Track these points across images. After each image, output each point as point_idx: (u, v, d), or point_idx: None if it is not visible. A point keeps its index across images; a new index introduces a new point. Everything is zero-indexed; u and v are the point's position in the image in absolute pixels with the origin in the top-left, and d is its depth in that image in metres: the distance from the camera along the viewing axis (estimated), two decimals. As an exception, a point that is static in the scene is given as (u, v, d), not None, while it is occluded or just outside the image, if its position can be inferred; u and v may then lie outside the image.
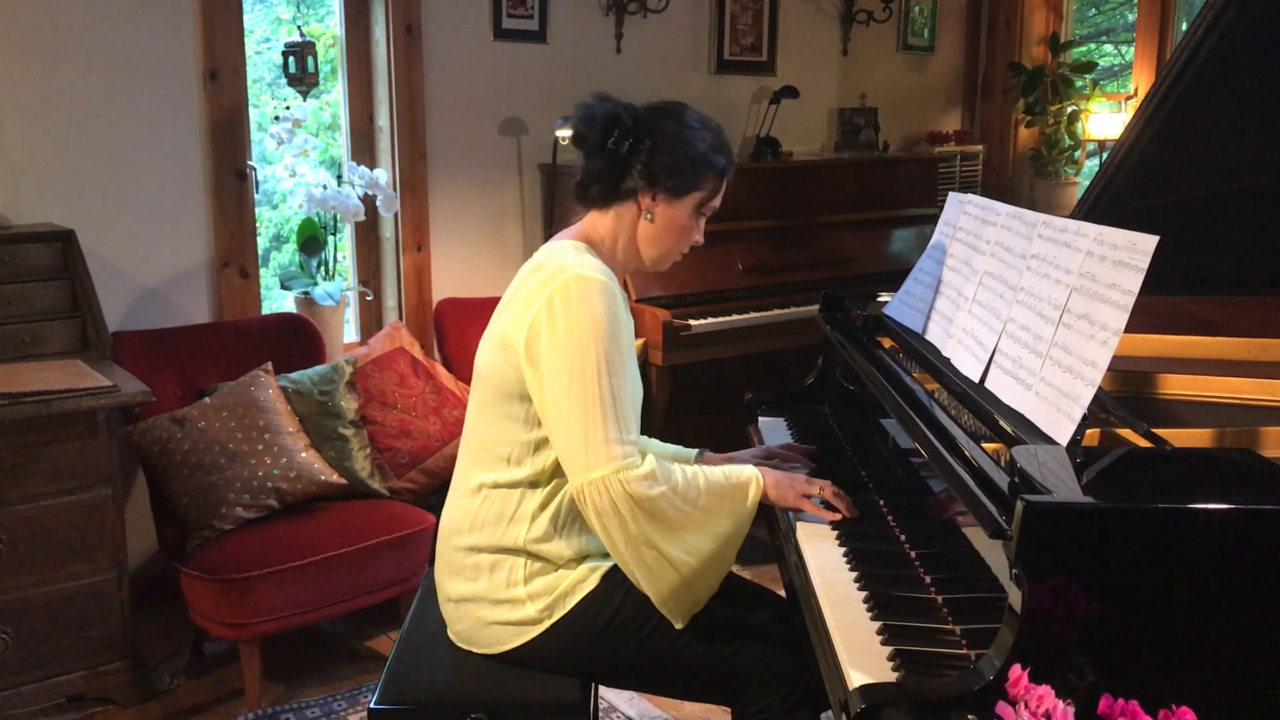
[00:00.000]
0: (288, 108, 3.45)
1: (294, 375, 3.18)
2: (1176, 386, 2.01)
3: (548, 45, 4.01)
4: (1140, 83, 4.87)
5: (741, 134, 4.52)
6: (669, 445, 2.20)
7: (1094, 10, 5.65)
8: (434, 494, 3.27)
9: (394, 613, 3.13)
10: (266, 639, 2.82)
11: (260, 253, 3.64)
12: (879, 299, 2.48)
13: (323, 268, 3.59)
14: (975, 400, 1.75)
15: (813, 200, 4.18)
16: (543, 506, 1.86)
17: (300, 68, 3.43)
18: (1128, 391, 2.02)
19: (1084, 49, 5.30)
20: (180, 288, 3.39)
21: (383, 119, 3.77)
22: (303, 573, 2.79)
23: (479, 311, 3.64)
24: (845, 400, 2.52)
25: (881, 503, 2.01)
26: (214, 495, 2.85)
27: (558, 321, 1.77)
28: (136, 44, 3.22)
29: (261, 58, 4.18)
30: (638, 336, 3.28)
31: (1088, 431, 1.63)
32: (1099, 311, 1.57)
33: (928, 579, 1.72)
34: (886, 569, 1.76)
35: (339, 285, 3.56)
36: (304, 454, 2.99)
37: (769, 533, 2.19)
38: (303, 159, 3.43)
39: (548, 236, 3.95)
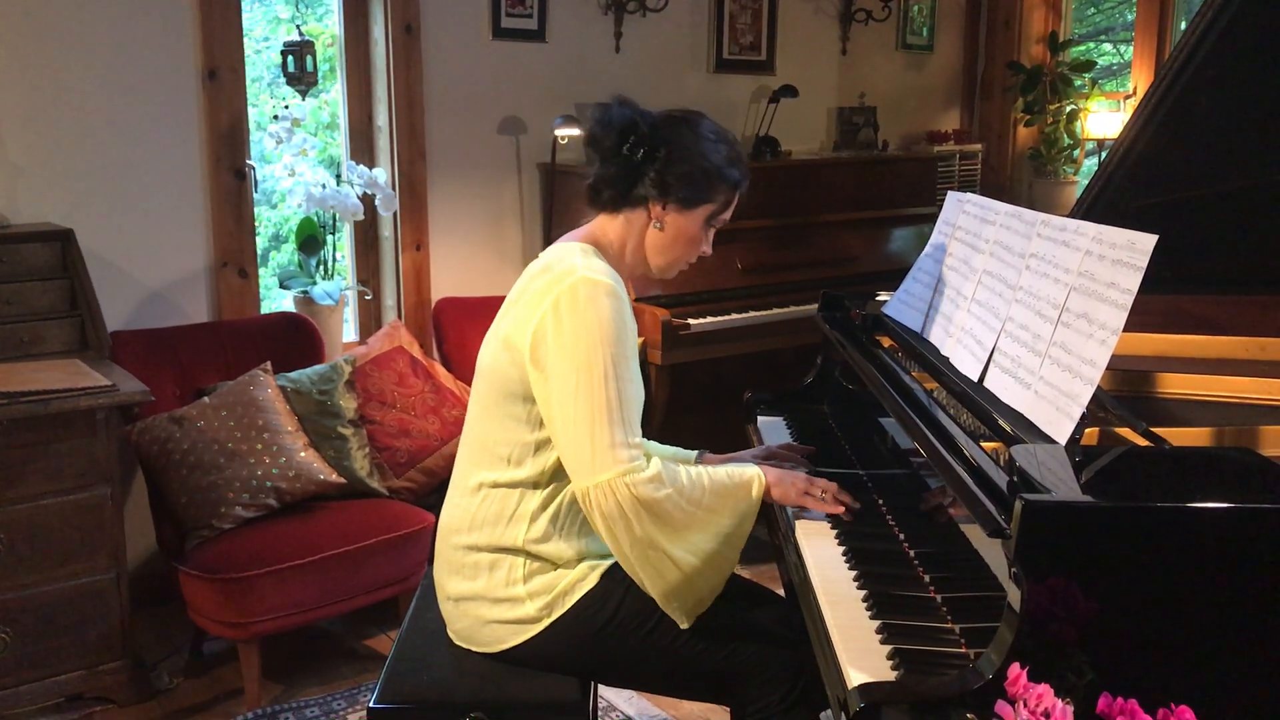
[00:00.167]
0: (286, 107, 3.45)
1: (293, 375, 3.18)
2: (1175, 385, 2.02)
3: (547, 44, 4.01)
4: (1139, 82, 4.87)
5: (740, 133, 4.52)
6: (667, 447, 2.20)
7: (1093, 9, 5.65)
8: (433, 493, 3.26)
9: (393, 612, 3.13)
10: (265, 638, 2.82)
11: (259, 252, 3.64)
12: (878, 298, 2.48)
13: (322, 267, 3.59)
14: (974, 399, 1.75)
15: (812, 199, 4.18)
16: (543, 507, 1.86)
17: (299, 67, 3.43)
18: (1127, 390, 2.02)
19: (1083, 48, 5.30)
20: (179, 287, 3.39)
21: (381, 118, 3.77)
22: (302, 572, 2.79)
23: (478, 311, 3.64)
24: (844, 399, 2.52)
25: (880, 502, 2.02)
26: (213, 495, 2.85)
27: (564, 324, 1.77)
28: (135, 43, 3.21)
29: (260, 57, 4.18)
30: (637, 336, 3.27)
31: (1087, 430, 1.63)
32: (1098, 310, 1.57)
33: (927, 578, 1.72)
34: (885, 568, 1.76)
35: (338, 284, 3.56)
36: (303, 453, 2.99)
37: (768, 532, 2.19)
38: (302, 158, 3.43)
39: (547, 235, 3.98)
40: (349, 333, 3.83)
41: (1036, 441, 1.54)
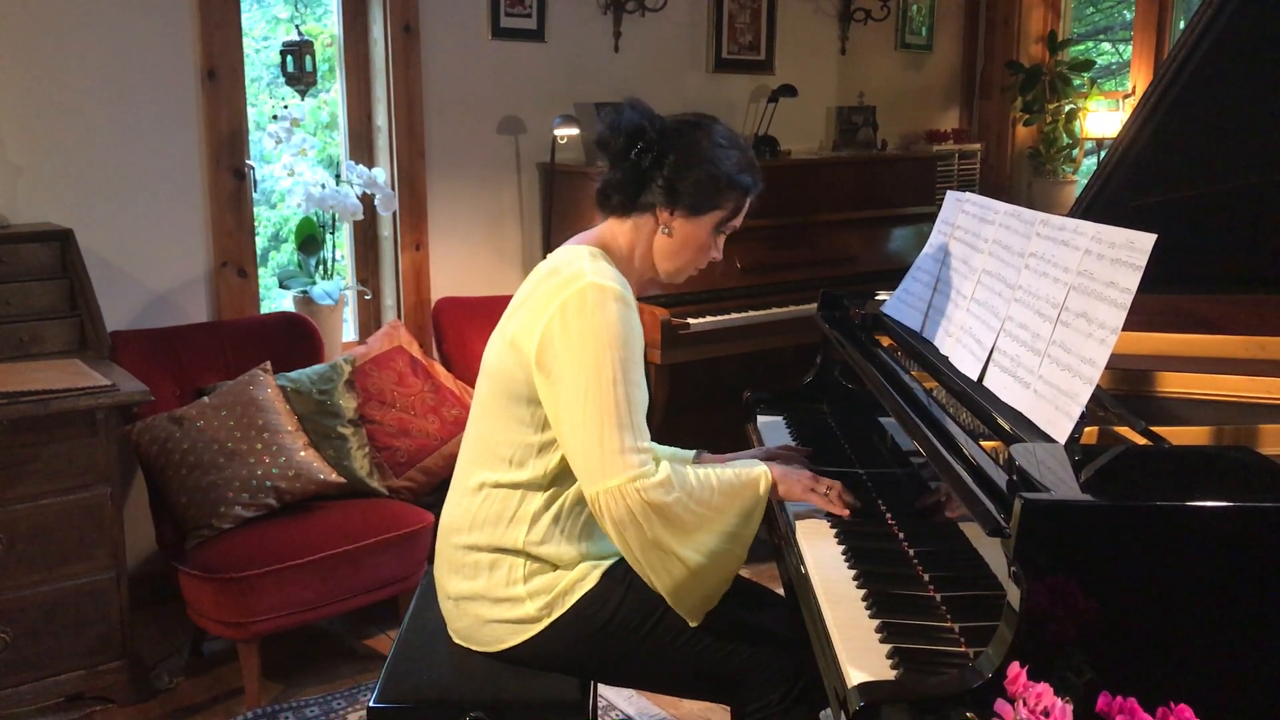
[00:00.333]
0: (285, 107, 3.45)
1: (293, 374, 3.18)
2: (1174, 384, 2.02)
3: (546, 44, 4.01)
4: (1138, 81, 4.88)
5: (740, 133, 4.52)
6: (665, 447, 2.20)
7: (1092, 8, 5.65)
8: (433, 493, 3.27)
9: (393, 611, 3.13)
10: (265, 638, 2.82)
11: (259, 252, 3.64)
12: (877, 297, 2.48)
13: (321, 267, 3.59)
14: (973, 398, 1.75)
15: (811, 199, 4.18)
16: (544, 509, 1.86)
17: (298, 67, 3.43)
18: (1126, 389, 2.03)
19: (1082, 47, 5.30)
20: (179, 287, 3.39)
21: (381, 118, 3.77)
22: (302, 572, 2.79)
23: (477, 310, 3.64)
24: (844, 399, 2.52)
25: (880, 501, 2.02)
26: (213, 494, 2.85)
27: (571, 329, 1.77)
28: (134, 43, 3.21)
29: (259, 57, 4.18)
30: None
31: (1086, 429, 1.63)
32: (1097, 309, 1.58)
33: (926, 577, 1.72)
34: (885, 567, 1.76)
35: (337, 284, 3.56)
36: (303, 453, 2.99)
37: (768, 531, 2.19)
38: (301, 158, 3.43)
39: (546, 235, 3.98)
40: (348, 332, 3.83)
41: (1036, 440, 1.54)
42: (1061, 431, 1.53)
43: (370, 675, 2.99)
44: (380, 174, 3.54)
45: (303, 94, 3.50)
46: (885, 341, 2.30)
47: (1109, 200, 2.32)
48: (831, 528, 1.92)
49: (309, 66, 3.44)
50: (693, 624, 1.84)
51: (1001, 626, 1.32)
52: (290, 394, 3.12)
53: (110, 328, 3.04)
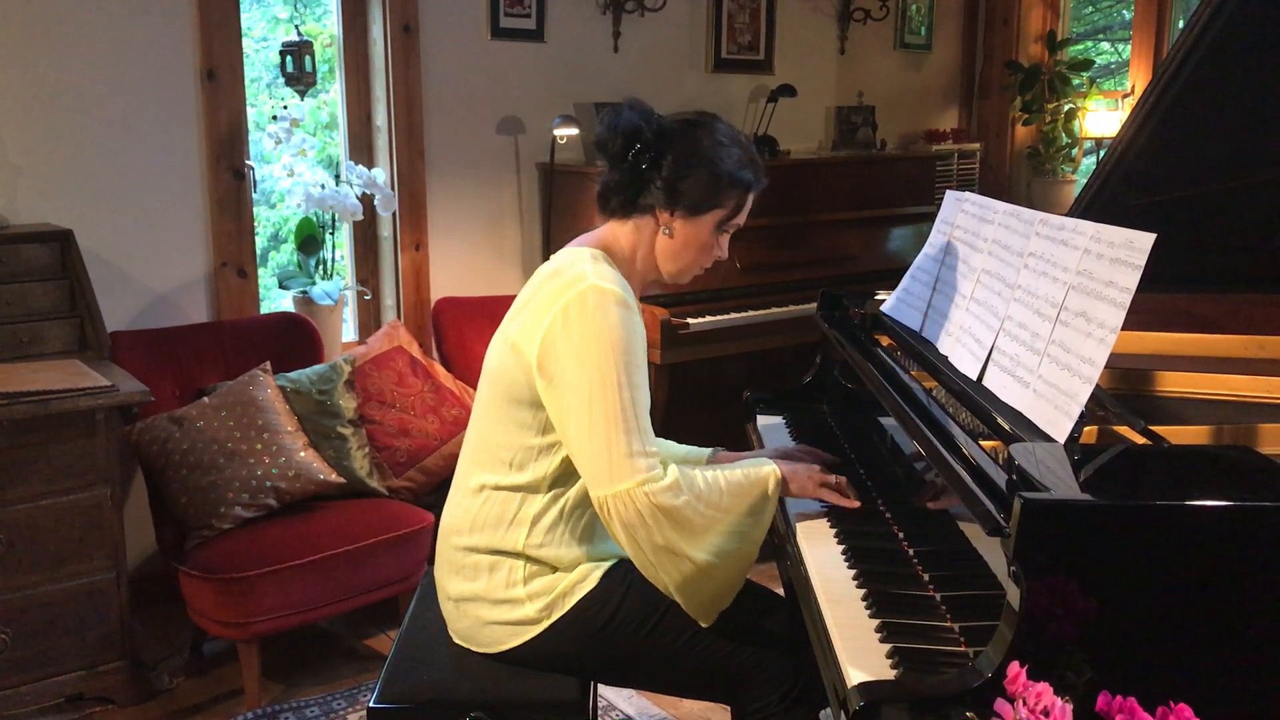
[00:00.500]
0: (285, 107, 3.45)
1: (292, 374, 3.18)
2: (1174, 384, 2.02)
3: (545, 44, 4.01)
4: (1137, 80, 4.88)
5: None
6: (681, 446, 2.19)
7: (1091, 8, 5.65)
8: (433, 493, 3.27)
9: (393, 612, 3.13)
10: (265, 638, 2.82)
11: (258, 252, 3.64)
12: (877, 297, 2.48)
13: (321, 267, 3.59)
14: (973, 398, 1.75)
15: (810, 198, 4.18)
16: (543, 512, 1.86)
17: (298, 67, 3.43)
18: (1125, 389, 2.03)
19: (1081, 47, 5.30)
20: (179, 287, 3.39)
21: (380, 118, 3.77)
22: (302, 572, 2.79)
23: (477, 310, 3.64)
24: (843, 398, 2.52)
25: (880, 501, 2.02)
26: (213, 495, 2.85)
27: (573, 333, 1.76)
28: (134, 43, 3.21)
29: (259, 57, 4.18)
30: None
31: (1085, 429, 1.63)
32: (1096, 309, 1.58)
33: (926, 576, 1.72)
34: (885, 566, 1.76)
35: (337, 284, 3.56)
36: (303, 453, 2.99)
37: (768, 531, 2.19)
38: (300, 158, 3.43)
39: (546, 235, 3.98)
40: (348, 333, 3.83)
41: (1035, 440, 1.54)
42: (1061, 431, 1.53)
43: (370, 675, 2.99)
44: (380, 174, 3.55)
45: (302, 94, 3.50)
46: (885, 341, 2.30)
47: (1108, 200, 2.32)
48: (831, 528, 1.92)
49: (308, 67, 3.44)
50: (704, 625, 1.84)
51: (1001, 626, 1.32)
52: (290, 394, 3.12)
53: (110, 328, 3.04)
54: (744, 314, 3.78)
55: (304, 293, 3.49)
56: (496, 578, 1.87)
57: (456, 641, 1.95)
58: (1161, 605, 1.31)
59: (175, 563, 2.83)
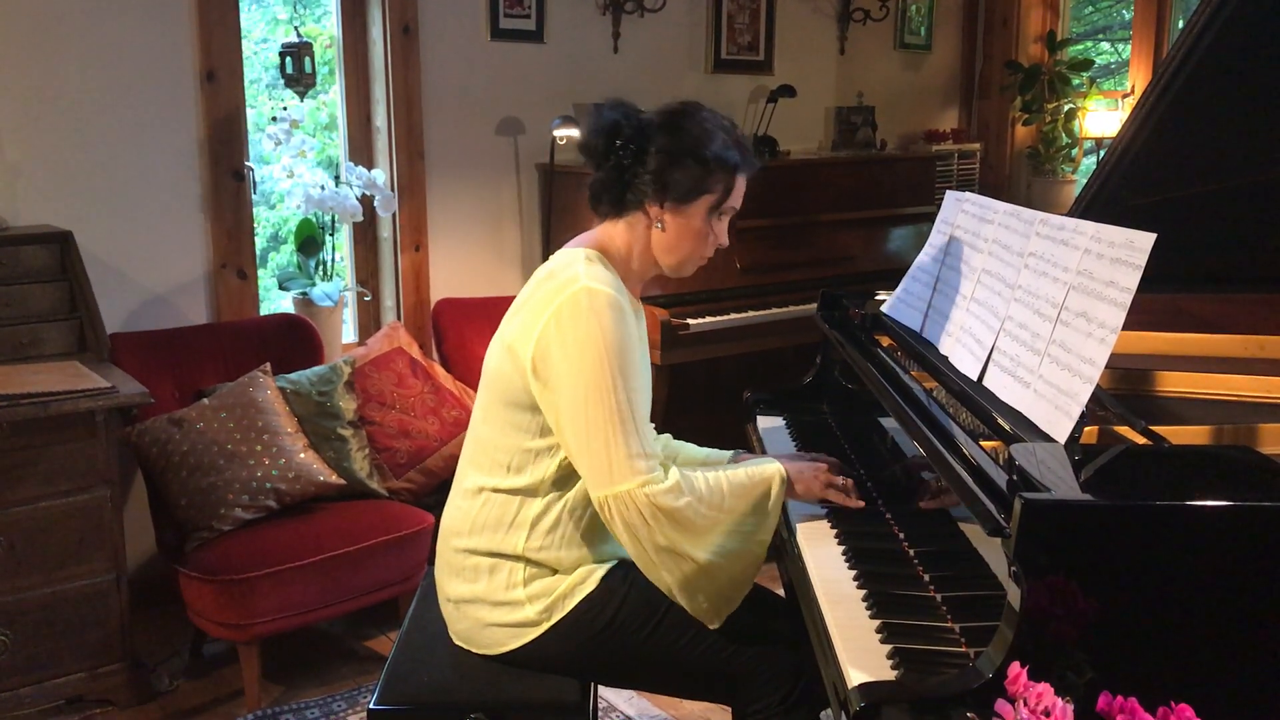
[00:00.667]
0: (285, 108, 3.44)
1: (292, 376, 3.18)
2: (1174, 384, 2.02)
3: (545, 45, 4.01)
4: (1137, 80, 4.88)
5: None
6: (701, 449, 2.18)
7: (1090, 8, 5.65)
8: (433, 494, 3.26)
9: (393, 613, 3.13)
10: (265, 640, 2.82)
11: (258, 253, 3.64)
12: (877, 297, 2.48)
13: (321, 268, 3.59)
14: (973, 398, 1.75)
15: (810, 199, 4.18)
16: (542, 515, 1.86)
17: (297, 68, 3.43)
18: (1126, 389, 2.03)
19: (1081, 47, 5.30)
20: (178, 289, 3.39)
21: (380, 119, 3.77)
22: (302, 573, 2.79)
23: (477, 311, 3.64)
24: (844, 399, 2.52)
25: (880, 501, 2.02)
26: (213, 496, 2.85)
27: (567, 336, 1.76)
28: (133, 45, 3.21)
29: (258, 58, 4.18)
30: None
31: (1086, 429, 1.63)
32: (1097, 309, 1.58)
33: (926, 577, 1.72)
34: (885, 567, 1.76)
35: (337, 286, 3.56)
36: (303, 454, 2.99)
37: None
38: (300, 159, 3.43)
39: (545, 236, 3.98)
40: (348, 334, 3.83)
41: (1036, 440, 1.54)
42: (1061, 431, 1.53)
43: (370, 677, 2.99)
44: (379, 175, 3.54)
45: (302, 95, 3.50)
46: (885, 341, 2.30)
47: (1108, 199, 2.32)
48: (832, 528, 1.92)
49: (308, 68, 3.44)
50: (713, 626, 1.83)
51: (1002, 626, 1.32)
52: (290, 395, 3.12)
53: (110, 329, 3.04)
54: (744, 314, 3.78)
55: (304, 294, 3.49)
56: (496, 580, 1.87)
57: (457, 643, 1.95)
58: (1162, 605, 1.31)
59: (175, 564, 2.82)
